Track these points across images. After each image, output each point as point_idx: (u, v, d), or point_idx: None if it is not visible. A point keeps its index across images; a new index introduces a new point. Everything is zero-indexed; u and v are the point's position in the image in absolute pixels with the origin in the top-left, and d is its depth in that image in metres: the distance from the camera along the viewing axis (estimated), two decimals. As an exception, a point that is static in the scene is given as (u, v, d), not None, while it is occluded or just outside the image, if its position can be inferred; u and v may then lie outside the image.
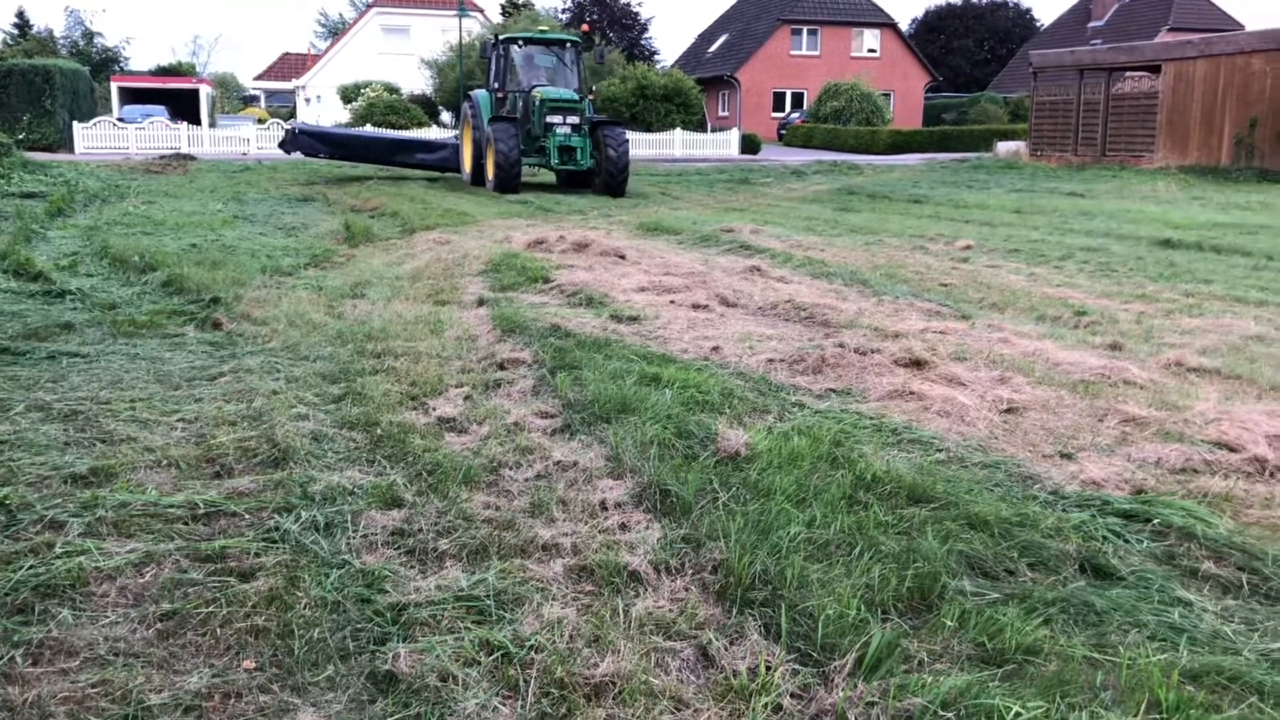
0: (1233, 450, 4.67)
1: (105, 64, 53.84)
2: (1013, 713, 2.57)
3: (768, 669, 2.86)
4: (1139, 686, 2.74)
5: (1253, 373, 6.19)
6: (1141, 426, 5.08)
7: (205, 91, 49.44)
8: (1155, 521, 3.89)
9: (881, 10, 55.07)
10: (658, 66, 51.76)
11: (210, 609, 3.21)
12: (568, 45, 22.55)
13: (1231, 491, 4.24)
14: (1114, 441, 4.89)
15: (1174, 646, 3.00)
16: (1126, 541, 3.75)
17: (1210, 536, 3.75)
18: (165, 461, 4.51)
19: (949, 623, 3.09)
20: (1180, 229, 13.57)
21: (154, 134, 34.62)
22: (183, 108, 45.15)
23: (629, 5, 64.80)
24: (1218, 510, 4.04)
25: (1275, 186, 21.39)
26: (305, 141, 22.81)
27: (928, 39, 69.46)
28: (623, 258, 10.74)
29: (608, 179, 20.53)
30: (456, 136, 25.65)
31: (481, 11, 52.01)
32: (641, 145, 36.81)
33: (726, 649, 2.99)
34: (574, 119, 20.71)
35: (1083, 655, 2.94)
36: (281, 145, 23.20)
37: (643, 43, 64.46)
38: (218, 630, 3.10)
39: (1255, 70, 25.00)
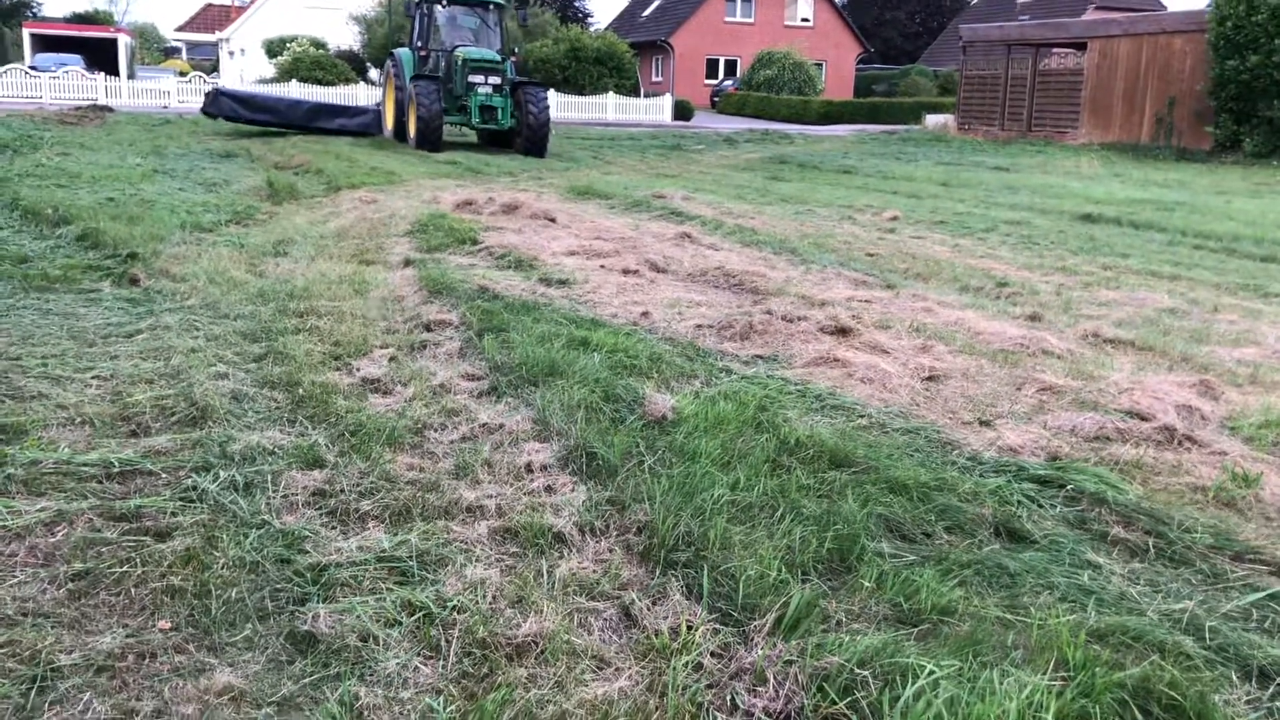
0: (1144, 419, 4.80)
1: (16, 9, 51.86)
2: (927, 671, 2.63)
3: (689, 629, 2.88)
4: (1048, 646, 2.82)
5: (1165, 344, 6.37)
6: (1058, 395, 5.20)
7: (124, 41, 47.93)
8: (1068, 487, 3.99)
9: (816, -21, 55.16)
10: (591, 29, 51.30)
11: (124, 569, 3.14)
12: (491, 7, 22.77)
13: (1141, 459, 4.36)
14: (1031, 409, 5.01)
15: (1082, 607, 3.09)
16: (1040, 506, 3.85)
17: (1120, 502, 3.86)
18: (79, 419, 4.40)
19: (867, 584, 3.15)
20: (1101, 204, 13.86)
21: (69, 84, 33.52)
22: (100, 58, 43.72)
23: (563, -34, 64.04)
24: (1128, 477, 4.16)
25: (1192, 165, 21.95)
26: (227, 105, 22.60)
27: (861, 10, 69.76)
28: (553, 221, 10.67)
29: (529, 138, 20.91)
30: (378, 103, 25.49)
31: (412, -33, 51.02)
32: (574, 108, 36.59)
33: (649, 609, 3.01)
34: (495, 79, 20.96)
35: (995, 616, 3.02)
36: (204, 109, 22.86)
37: (576, 4, 63.85)
38: (132, 590, 3.04)
39: (1176, 50, 25.56)
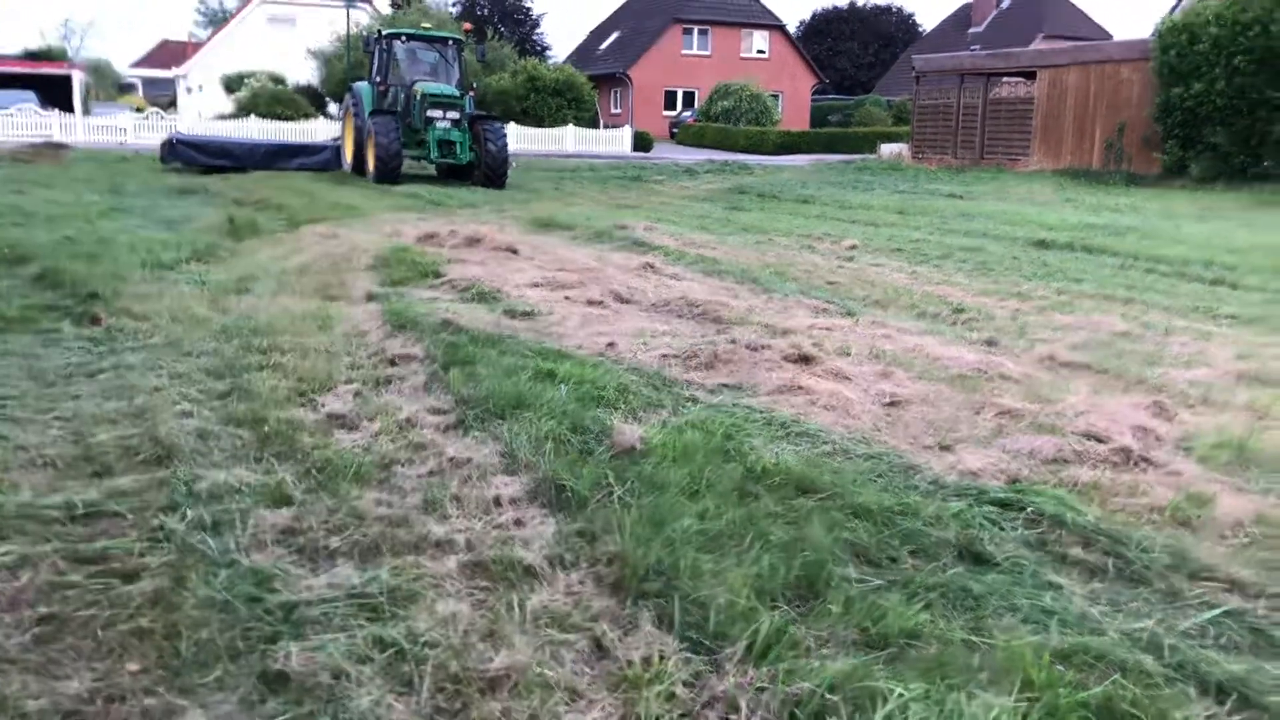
0: (1101, 441, 4.90)
1: (-32, 47, 51.24)
2: (895, 694, 2.67)
3: (661, 658, 2.91)
4: (1013, 667, 2.87)
5: (1120, 367, 6.50)
6: (1016, 419, 5.29)
7: (78, 78, 47.50)
8: (1029, 510, 4.06)
9: (770, 12, 55.92)
10: (550, 62, 51.60)
11: (91, 611, 3.12)
12: (449, 42, 23.11)
13: (1099, 480, 4.45)
14: (990, 433, 5.09)
15: (1045, 628, 3.15)
16: (1002, 529, 3.92)
17: (1079, 523, 3.94)
18: (40, 461, 4.36)
19: (835, 609, 3.19)
20: (1054, 230, 14.11)
21: (23, 121, 33.22)
22: (54, 94, 43.22)
23: (520, 1, 64.47)
24: (1086, 498, 4.25)
25: (1142, 190, 22.39)
26: (184, 152, 22.58)
27: (815, 41, 70.74)
28: (516, 253, 10.71)
29: (488, 172, 21.21)
30: (336, 139, 25.58)
31: (370, 2, 51.12)
32: (533, 140, 36.75)
33: (620, 640, 3.04)
34: (454, 114, 21.14)
35: (961, 638, 3.07)
36: (161, 158, 22.78)
37: (534, 38, 64.28)
38: (100, 633, 3.02)
39: (1123, 78, 26.11)
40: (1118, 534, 3.86)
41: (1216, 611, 3.32)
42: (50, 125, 33.22)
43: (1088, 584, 3.53)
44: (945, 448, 4.85)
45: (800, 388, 5.67)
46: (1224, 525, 4.03)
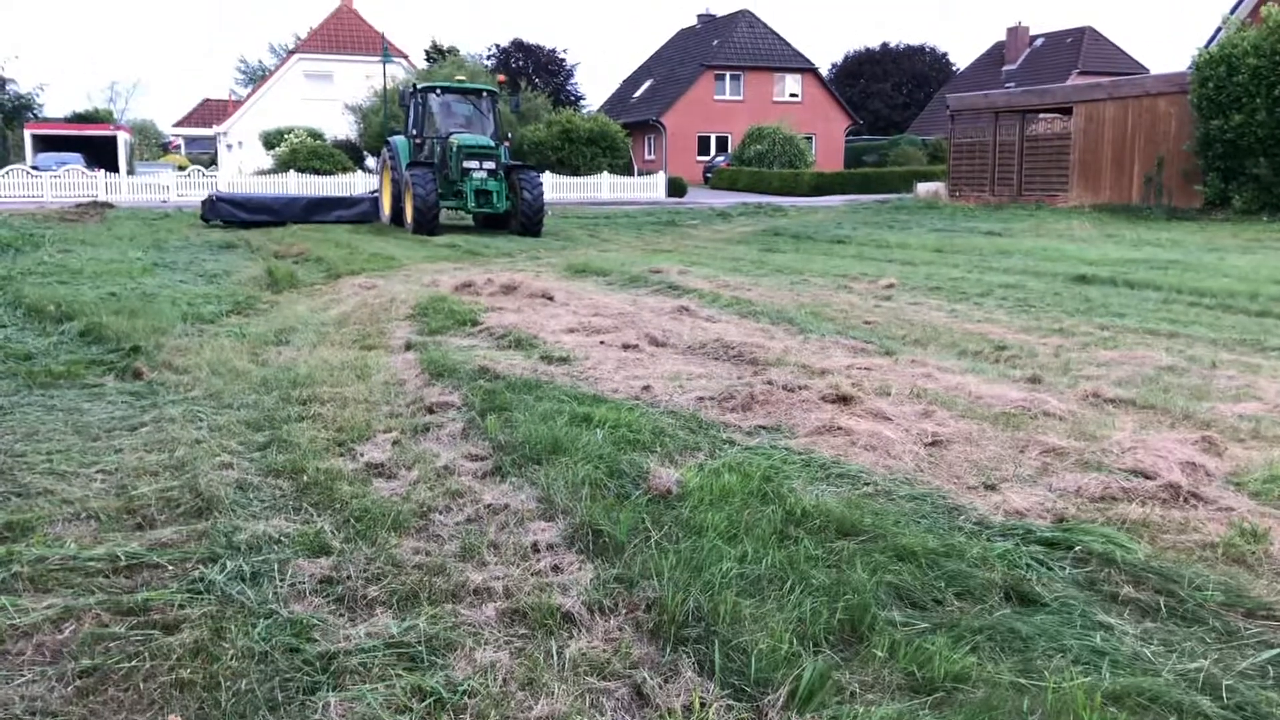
0: (1148, 477, 4.81)
1: (18, 111, 52.74)
2: (943, 740, 2.60)
3: (702, 705, 2.86)
4: (1064, 710, 2.80)
5: (1166, 402, 6.38)
6: (1061, 456, 5.21)
7: (123, 138, 48.72)
8: (1076, 549, 3.98)
9: (802, 55, 56.25)
10: (584, 111, 52.18)
11: (133, 663, 3.13)
12: (484, 94, 23.45)
13: (1148, 517, 4.35)
14: (1035, 472, 5.01)
15: (1096, 669, 3.07)
16: (1049, 569, 3.84)
17: (1129, 562, 3.85)
18: (85, 514, 4.40)
19: (879, 653, 3.13)
20: (1095, 265, 13.98)
21: (70, 182, 34.04)
22: (100, 155, 44.43)
23: (554, 51, 65.44)
24: (1136, 536, 4.15)
25: (1183, 224, 22.16)
26: (225, 209, 23.11)
27: (847, 83, 71.03)
28: (551, 299, 10.76)
29: (524, 220, 21.45)
30: (374, 191, 26.02)
31: (406, 57, 52.02)
32: (569, 189, 37.07)
33: (661, 687, 2.99)
34: (490, 164, 21.42)
35: (1009, 681, 2.99)
36: (203, 216, 23.26)
37: (568, 88, 65.03)
38: (141, 685, 3.02)
39: (1161, 112, 25.96)
40: (1169, 572, 3.77)
41: (1276, 651, 3.22)
42: (96, 185, 33.97)
43: (1140, 624, 3.44)
44: (990, 487, 4.77)
45: (839, 428, 5.62)
46: (1280, 562, 3.92)
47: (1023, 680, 3.00)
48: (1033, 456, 5.24)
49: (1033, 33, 63.17)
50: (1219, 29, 26.32)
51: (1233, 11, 27.11)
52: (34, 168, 36.51)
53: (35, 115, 54.10)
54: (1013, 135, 30.62)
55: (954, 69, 72.34)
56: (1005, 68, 61.60)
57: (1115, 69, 50.85)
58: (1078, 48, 58.00)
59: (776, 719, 2.79)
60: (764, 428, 5.81)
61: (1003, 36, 64.45)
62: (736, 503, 4.37)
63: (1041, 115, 30.52)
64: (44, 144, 46.45)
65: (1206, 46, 24.68)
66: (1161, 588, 3.66)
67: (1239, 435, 5.69)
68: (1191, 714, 2.81)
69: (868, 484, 4.78)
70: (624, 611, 3.48)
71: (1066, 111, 29.20)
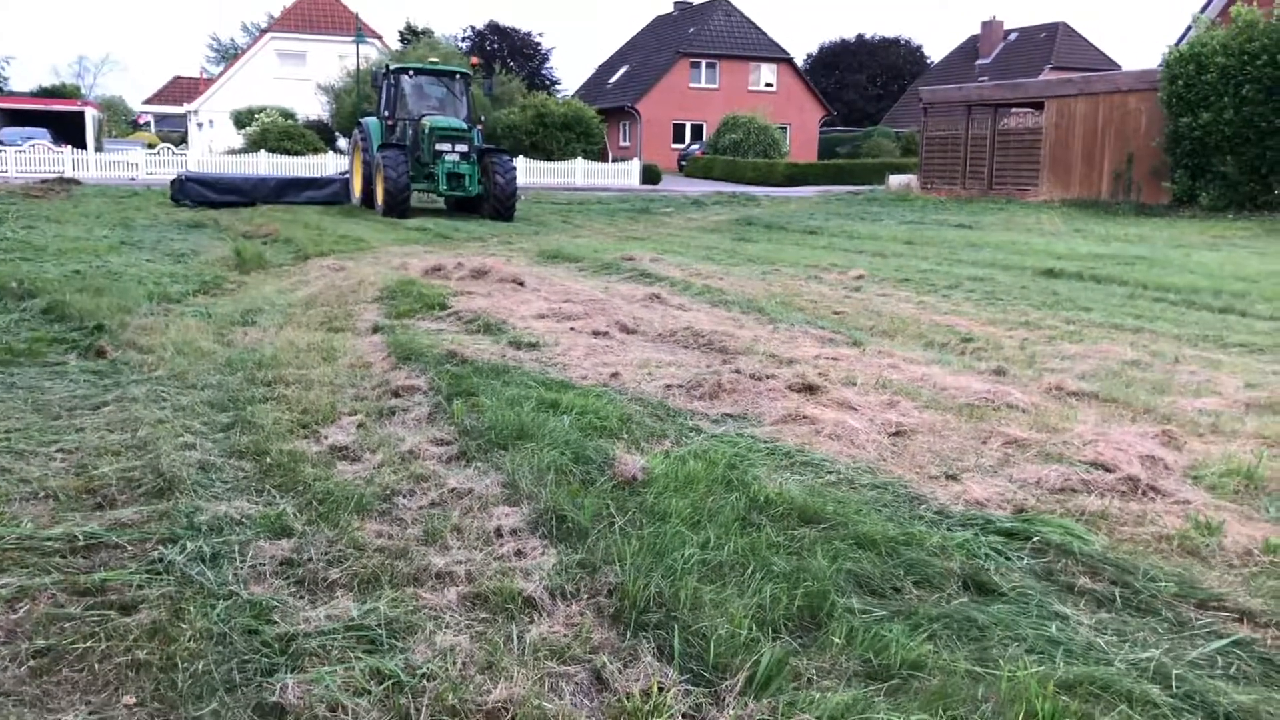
0: (1108, 470, 4.86)
1: (-17, 84, 51.92)
2: (897, 726, 2.63)
3: (660, 690, 2.87)
4: (1018, 698, 2.83)
5: (1128, 396, 6.46)
6: (1023, 448, 5.26)
7: (91, 114, 48.06)
8: (1035, 539, 4.02)
9: (778, 45, 56.28)
10: (559, 96, 51.97)
11: (89, 644, 3.10)
12: (457, 76, 23.29)
13: (1106, 509, 4.41)
14: (997, 463, 5.05)
15: (1051, 659, 3.11)
16: (1008, 559, 3.88)
17: (1086, 553, 3.90)
18: (43, 493, 4.36)
19: (837, 640, 3.15)
20: (1063, 259, 14.09)
21: (35, 157, 33.55)
22: (67, 131, 43.81)
23: (530, 35, 65.11)
24: (1094, 528, 4.20)
25: (1151, 220, 22.38)
26: (194, 190, 22.84)
27: (822, 74, 71.14)
28: (522, 285, 10.73)
29: (496, 204, 21.31)
30: (345, 172, 25.86)
31: (380, 38, 51.61)
32: (542, 174, 36.94)
33: (620, 672, 3.00)
34: (462, 147, 21.27)
35: (965, 669, 3.03)
36: (172, 197, 22.96)
37: (544, 72, 64.75)
38: (96, 666, 3.00)
39: (1132, 108, 26.17)
40: (1125, 563, 3.82)
41: (1225, 641, 3.27)
42: (63, 161, 33.51)
43: (1094, 614, 3.48)
44: (951, 477, 4.81)
45: (805, 417, 5.65)
46: (1233, 554, 3.98)
47: (978, 669, 3.04)
48: (995, 448, 5.29)
49: (1007, 27, 63.52)
50: (1189, 28, 26.58)
51: (1203, 10, 27.36)
52: (-1, 142, 35.95)
53: (1, 89, 53.25)
54: (985, 129, 30.78)
55: (928, 62, 72.61)
56: (979, 61, 61.95)
57: (1088, 65, 51.24)
58: (1051, 43, 58.42)
59: (734, 704, 2.81)
60: (730, 416, 5.83)
61: (977, 30, 64.77)
62: (701, 489, 4.38)
63: (1014, 110, 30.70)
64: (9, 118, 45.76)
65: (1177, 45, 24.88)
66: (1117, 579, 3.71)
67: (1198, 430, 5.76)
68: (1141, 702, 2.85)
69: (831, 472, 4.81)
70: (586, 597, 3.49)
71: (1038, 106, 29.38)
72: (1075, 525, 4.17)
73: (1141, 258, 14.52)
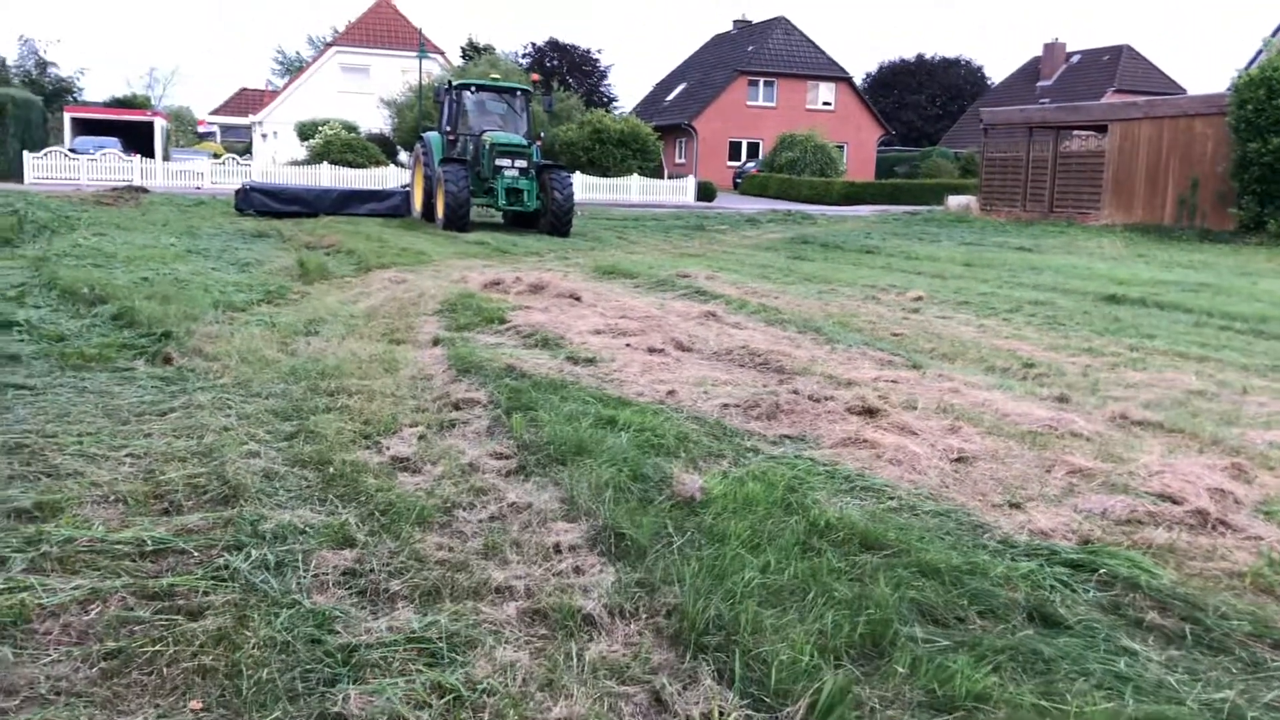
0: (1176, 502, 4.76)
1: (59, 94, 53.33)
2: (963, 760, 2.59)
3: (721, 715, 2.86)
4: (1086, 735, 2.78)
5: (1195, 427, 6.32)
6: (1088, 477, 5.17)
7: (160, 124, 49.13)
8: (1101, 571, 3.95)
9: (837, 64, 56.12)
10: (616, 113, 52.22)
11: (157, 648, 3.15)
12: (518, 93, 23.50)
13: (1175, 543, 4.32)
14: (1061, 492, 4.97)
15: (1120, 695, 3.05)
16: (1074, 591, 3.81)
17: (1155, 587, 3.82)
18: (113, 497, 4.44)
19: (900, 669, 3.11)
20: (1125, 285, 13.87)
21: (106, 165, 34.35)
22: (137, 140, 44.79)
23: (589, 52, 65.49)
24: (1162, 561, 4.12)
25: (1216, 246, 21.97)
26: (258, 199, 23.31)
27: (881, 93, 70.81)
28: (579, 300, 10.77)
29: (553, 220, 21.50)
30: (406, 185, 26.16)
31: (442, 53, 52.23)
32: (598, 190, 37.10)
33: (680, 694, 2.99)
34: (522, 162, 21.47)
35: (1031, 703, 2.98)
36: (236, 206, 23.41)
37: (602, 89, 65.06)
38: (164, 670, 3.05)
39: (1198, 133, 25.74)
40: (1195, 599, 3.74)
41: (1302, 684, 3.18)
42: (132, 170, 34.27)
43: (1164, 650, 3.41)
44: (1015, 506, 4.75)
45: (865, 441, 5.60)
46: (1308, 593, 3.88)
47: (1045, 703, 2.98)
48: (1059, 476, 5.20)
49: (1069, 49, 62.80)
50: (1259, 51, 26.16)
51: (1274, 34, 26.91)
52: (72, 150, 36.84)
53: (75, 99, 54.69)
54: (1046, 151, 30.45)
55: (989, 83, 71.98)
56: (1040, 83, 61.29)
57: (1151, 88, 50.50)
58: (1114, 66, 57.65)
59: (795, 731, 2.78)
60: (789, 437, 5.79)
61: (1039, 52, 64.12)
62: (760, 512, 4.36)
63: (1075, 132, 30.33)
64: (83, 127, 46.90)
65: (1246, 69, 24.46)
66: (1187, 615, 3.63)
67: (1269, 463, 5.62)
68: (1215, 744, 2.79)
69: (892, 498, 4.76)
70: (645, 616, 3.48)
71: (1101, 129, 29.01)
72: (1143, 558, 4.09)
73: (1206, 285, 14.25)
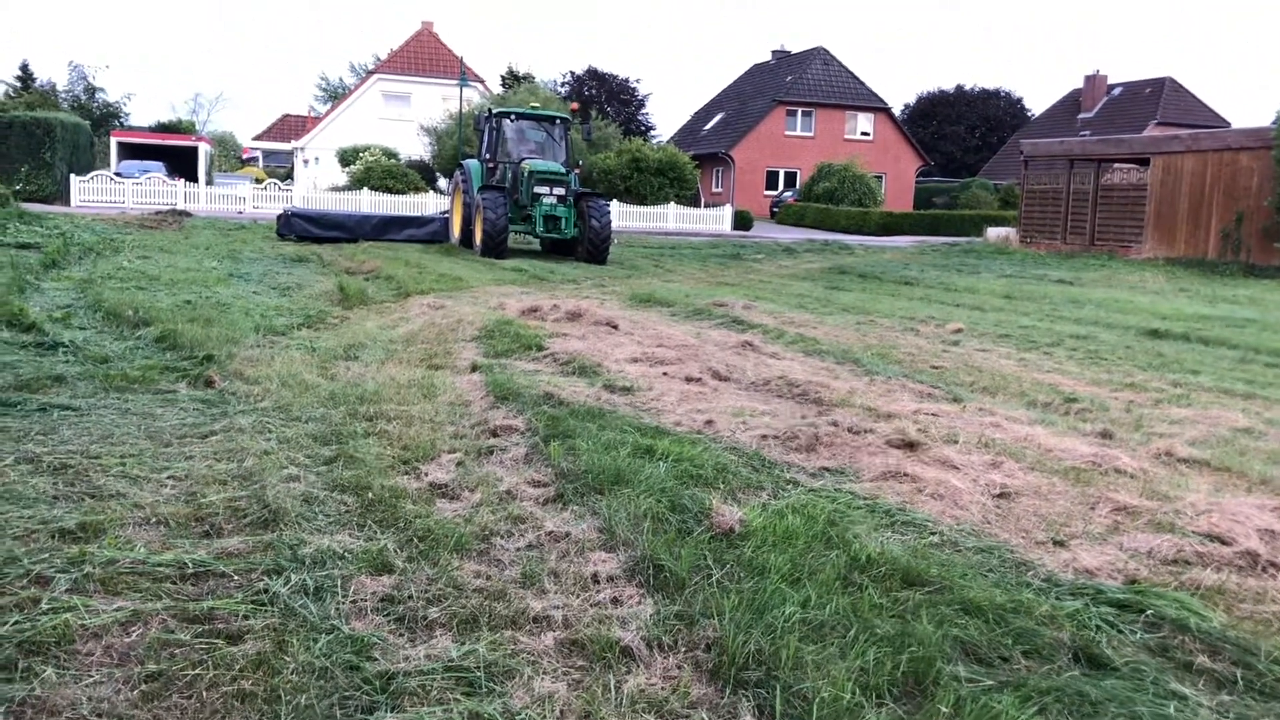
0: (1224, 543, 4.67)
1: (106, 119, 54.28)
2: (1009, 804, 2.54)
3: (761, 751, 2.82)
4: (1136, 781, 2.71)
5: (1242, 465, 6.22)
6: (1133, 516, 5.09)
7: (204, 149, 49.83)
8: (1149, 612, 3.87)
9: (875, 95, 56.07)
10: (654, 141, 52.43)
11: (197, 671, 3.16)
12: (557, 121, 23.68)
13: (1224, 584, 4.23)
14: (1106, 530, 4.90)
15: (1170, 741, 2.98)
16: (1120, 632, 3.74)
17: (1204, 630, 3.74)
18: (154, 519, 4.48)
19: (944, 709, 3.06)
20: (1168, 319, 13.71)
21: (151, 189, 34.91)
22: (181, 164, 45.47)
23: (627, 81, 65.86)
24: (1210, 603, 4.04)
25: (1261, 281, 21.67)
26: (299, 225, 23.64)
27: (920, 124, 70.65)
28: (615, 328, 10.78)
29: (590, 247, 21.58)
30: (445, 212, 26.38)
31: (482, 82, 52.73)
32: (635, 218, 37.23)
33: (719, 729, 2.95)
34: (560, 190, 21.59)
35: (1079, 747, 2.92)
36: (278, 232, 23.73)
37: (640, 118, 65.38)
38: (204, 693, 3.06)
39: (1242, 166, 25.47)
40: (1246, 643, 3.65)
41: (1359, 733, 3.10)
42: (175, 194, 34.79)
43: (1215, 695, 3.33)
44: (1059, 543, 4.67)
45: (905, 475, 5.54)
46: (1363, 639, 3.78)
47: (1092, 747, 2.92)
48: (1103, 514, 5.12)
49: (1110, 81, 62.43)
50: (1306, 85, 25.79)
51: (1321, 68, 26.56)
52: (117, 174, 37.47)
53: (121, 123, 55.63)
54: (1087, 184, 30.23)
55: (1029, 114, 71.63)
56: (1081, 115, 60.92)
57: (1195, 121, 50.06)
58: (1157, 98, 57.21)
59: (837, 770, 2.74)
60: (828, 470, 5.75)
61: (1080, 84, 63.78)
62: (800, 545, 4.32)
63: (1117, 165, 30.09)
64: (128, 151, 47.67)
65: (1292, 102, 24.17)
66: (1238, 659, 3.55)
67: (1320, 504, 5.51)
68: (1270, 794, 2.71)
69: (934, 533, 4.71)
70: (684, 649, 3.45)
71: (1143, 162, 28.77)
72: (1191, 599, 4.01)
73: (1252, 320, 14.05)
